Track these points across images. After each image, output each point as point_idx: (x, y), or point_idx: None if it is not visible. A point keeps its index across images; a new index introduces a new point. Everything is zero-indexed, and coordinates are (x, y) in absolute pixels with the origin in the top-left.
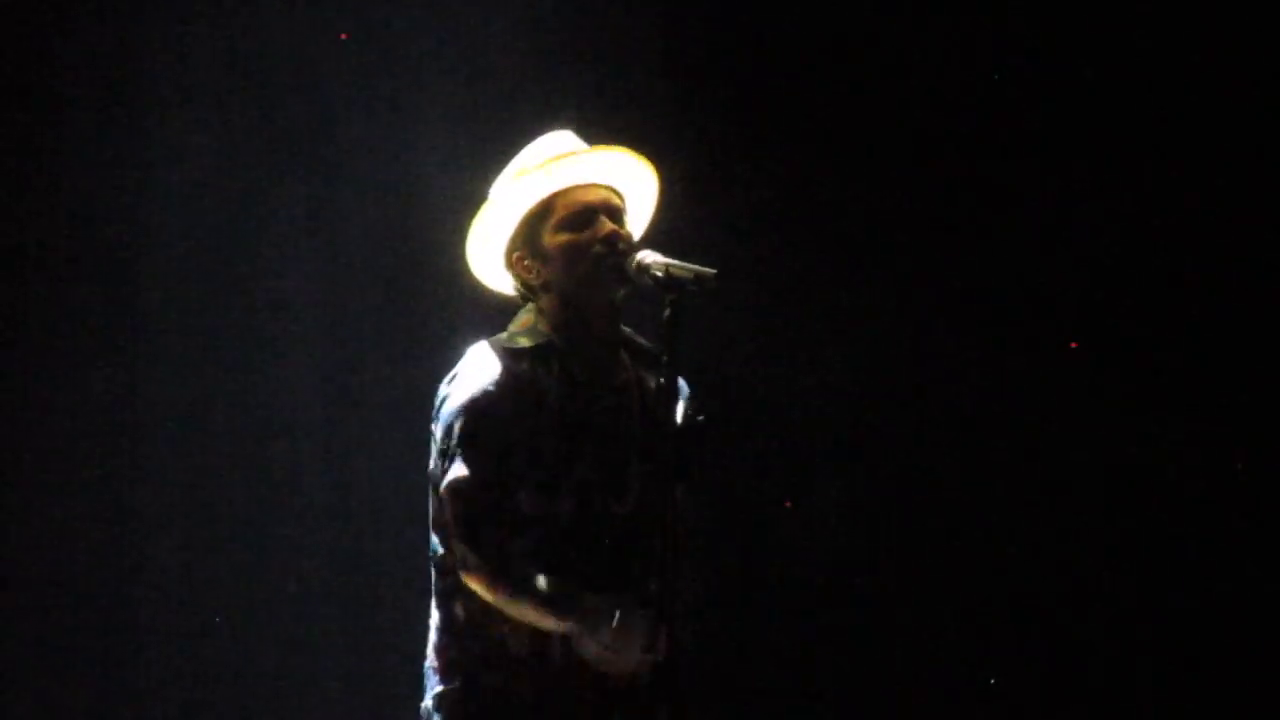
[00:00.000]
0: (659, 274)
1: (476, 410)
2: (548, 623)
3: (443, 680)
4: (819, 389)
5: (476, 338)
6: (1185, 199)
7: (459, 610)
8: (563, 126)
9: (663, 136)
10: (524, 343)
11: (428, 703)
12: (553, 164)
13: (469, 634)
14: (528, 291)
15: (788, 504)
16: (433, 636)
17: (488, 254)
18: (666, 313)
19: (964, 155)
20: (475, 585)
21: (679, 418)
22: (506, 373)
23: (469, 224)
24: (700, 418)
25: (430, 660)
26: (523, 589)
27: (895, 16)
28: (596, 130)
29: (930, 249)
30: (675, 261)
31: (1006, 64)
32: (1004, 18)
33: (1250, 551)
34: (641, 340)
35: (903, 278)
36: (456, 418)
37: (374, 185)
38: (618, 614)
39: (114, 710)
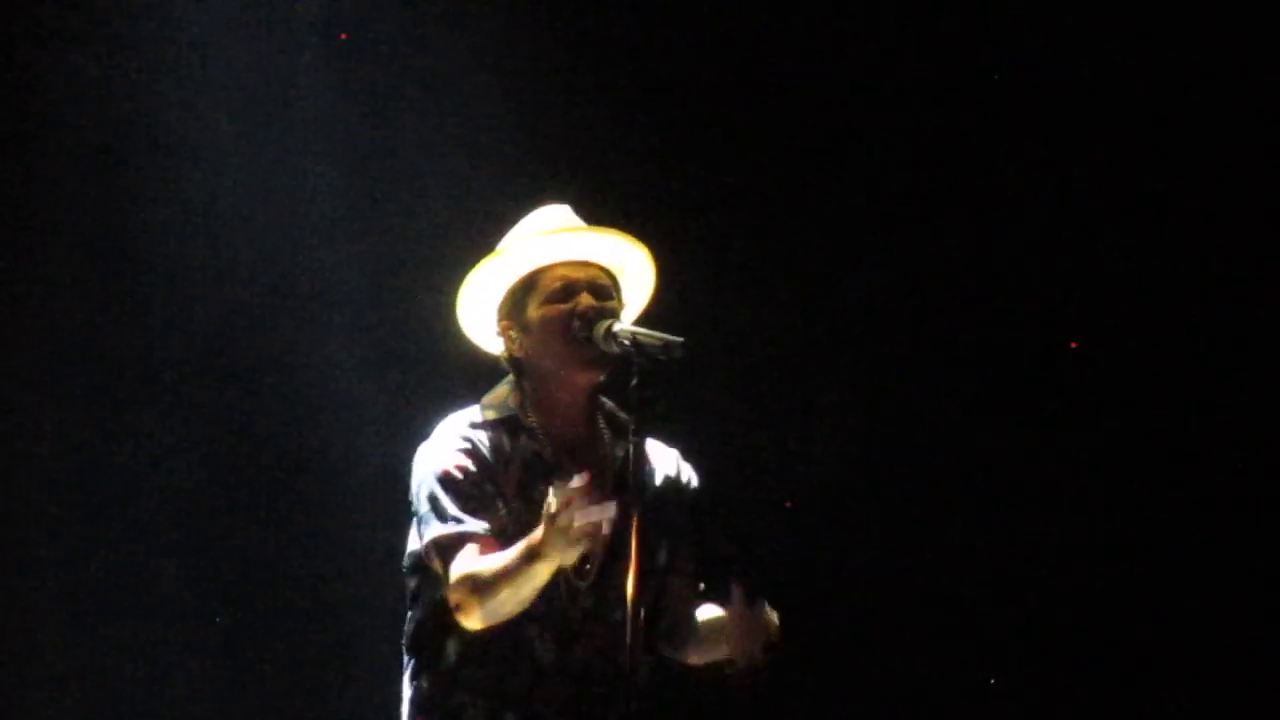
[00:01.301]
0: (626, 342)
1: (443, 473)
2: (537, 567)
3: None
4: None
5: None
6: (1184, 199)
7: (424, 684)
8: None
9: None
10: (490, 415)
11: None
12: (542, 238)
13: (431, 708)
14: (511, 361)
15: (788, 504)
16: (405, 710)
17: (480, 316)
18: (634, 381)
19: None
20: (472, 611)
21: (661, 484)
22: (470, 440)
23: (459, 288)
24: (694, 485)
25: None
26: (498, 571)
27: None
28: (583, 205)
29: (922, 243)
30: (643, 330)
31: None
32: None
33: (1251, 551)
34: (621, 414)
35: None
36: (425, 483)
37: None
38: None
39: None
